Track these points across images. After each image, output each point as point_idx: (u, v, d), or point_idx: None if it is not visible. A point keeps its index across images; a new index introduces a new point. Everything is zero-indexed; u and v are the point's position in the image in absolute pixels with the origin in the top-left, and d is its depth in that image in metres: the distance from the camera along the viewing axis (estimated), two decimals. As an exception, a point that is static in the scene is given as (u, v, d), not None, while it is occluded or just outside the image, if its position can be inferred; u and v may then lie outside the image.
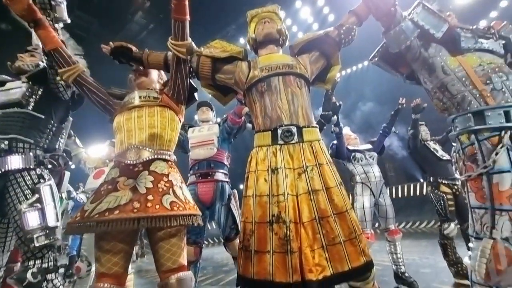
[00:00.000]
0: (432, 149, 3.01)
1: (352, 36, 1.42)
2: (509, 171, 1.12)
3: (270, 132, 1.30)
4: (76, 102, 1.83)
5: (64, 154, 1.76)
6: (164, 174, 1.32)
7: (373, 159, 2.81)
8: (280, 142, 1.27)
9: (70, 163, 1.91)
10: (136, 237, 1.34)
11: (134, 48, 1.57)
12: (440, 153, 3.00)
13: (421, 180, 8.94)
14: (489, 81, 1.21)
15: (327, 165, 1.25)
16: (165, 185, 1.27)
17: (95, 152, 3.16)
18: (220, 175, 2.36)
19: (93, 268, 2.52)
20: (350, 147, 2.88)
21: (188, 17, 1.35)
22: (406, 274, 2.55)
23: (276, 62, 1.40)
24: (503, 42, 1.33)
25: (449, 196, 2.82)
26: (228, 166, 2.51)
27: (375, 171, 2.72)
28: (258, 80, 1.36)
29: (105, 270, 1.18)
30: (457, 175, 1.32)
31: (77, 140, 2.84)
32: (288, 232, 1.11)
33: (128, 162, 1.31)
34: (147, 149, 1.35)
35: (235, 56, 1.48)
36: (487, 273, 1.10)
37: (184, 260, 1.30)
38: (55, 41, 1.42)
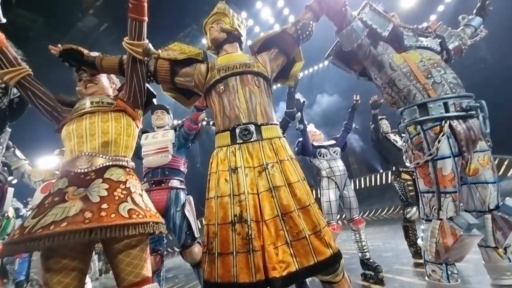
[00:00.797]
0: (392, 141, 3.25)
1: (310, 32, 1.43)
2: (449, 157, 1.24)
3: (228, 131, 1.29)
4: (15, 112, 1.63)
5: (6, 168, 1.57)
6: (121, 181, 1.22)
7: (336, 154, 2.94)
8: (239, 141, 1.26)
9: (10, 177, 1.69)
10: (90, 253, 1.23)
11: (85, 51, 1.46)
12: (400, 143, 3.23)
13: (381, 171, 9.62)
14: (430, 76, 1.32)
15: (288, 161, 1.25)
16: (122, 193, 1.17)
17: (44, 164, 2.84)
18: (175, 182, 2.27)
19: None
20: (315, 143, 2.97)
21: (146, 18, 1.29)
22: (371, 260, 2.70)
23: (234, 61, 1.39)
24: (439, 40, 1.47)
25: (409, 182, 3.06)
26: (185, 172, 2.43)
27: (339, 165, 2.85)
28: (216, 81, 1.35)
29: None
30: (407, 163, 1.44)
31: (18, 152, 2.52)
32: (249, 231, 1.10)
33: (79, 170, 1.20)
34: (101, 155, 1.25)
35: (194, 58, 1.44)
36: (437, 251, 1.20)
37: (148, 272, 1.20)
38: None
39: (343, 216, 3.27)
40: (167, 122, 2.47)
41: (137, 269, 1.15)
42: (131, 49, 1.31)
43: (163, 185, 2.21)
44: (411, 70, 1.34)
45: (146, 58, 1.39)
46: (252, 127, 1.26)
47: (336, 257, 1.15)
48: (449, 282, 1.21)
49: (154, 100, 1.61)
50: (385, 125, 3.38)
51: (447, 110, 1.26)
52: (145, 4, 1.26)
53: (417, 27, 1.47)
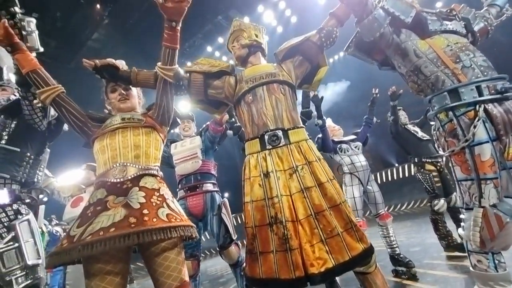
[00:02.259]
0: (412, 131, 3.15)
1: (334, 38, 1.46)
2: (487, 142, 1.19)
3: (258, 139, 1.36)
4: (53, 133, 1.75)
5: (42, 187, 1.66)
6: (155, 189, 1.29)
7: (358, 149, 2.86)
8: (268, 147, 1.33)
9: (41, 196, 1.77)
10: (129, 258, 1.26)
11: (121, 66, 1.52)
12: (420, 134, 3.14)
13: (396, 164, 9.43)
14: (458, 60, 1.28)
15: (316, 162, 1.30)
16: (158, 199, 1.25)
17: (68, 179, 2.91)
18: (208, 186, 2.34)
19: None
20: (336, 139, 2.90)
21: (178, 46, 1.36)
22: (401, 255, 2.61)
23: (260, 72, 1.47)
24: (464, 23, 1.43)
25: (435, 173, 2.96)
26: (216, 175, 2.49)
27: (361, 160, 2.77)
28: (245, 92, 1.43)
29: None
30: (440, 152, 1.41)
31: (46, 170, 2.63)
32: (285, 231, 1.16)
33: (115, 180, 1.26)
34: (134, 165, 1.31)
35: (224, 71, 1.51)
36: (482, 240, 1.16)
37: (185, 276, 1.23)
38: (33, 63, 1.38)
39: (368, 212, 3.19)
40: (193, 131, 2.55)
41: (175, 273, 1.18)
42: (163, 73, 1.38)
43: (197, 190, 2.30)
44: (438, 55, 1.31)
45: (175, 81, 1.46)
46: (279, 133, 1.33)
47: (369, 251, 1.20)
48: (497, 271, 1.16)
49: (178, 120, 1.71)
50: (402, 116, 3.28)
51: (480, 94, 1.22)
52: (179, 34, 1.33)
53: (441, 11, 1.43)
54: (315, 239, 1.17)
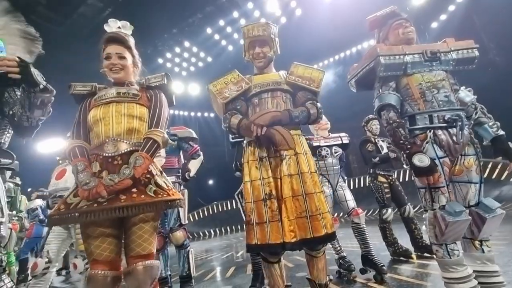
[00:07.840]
0: (379, 146, 3.25)
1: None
2: (435, 159, 1.44)
3: None
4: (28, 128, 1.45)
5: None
6: None
7: (337, 155, 2.77)
8: None
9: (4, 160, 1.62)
10: (122, 223, 1.35)
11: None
12: (385, 150, 3.21)
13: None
14: (423, 96, 1.55)
15: (303, 155, 1.55)
16: (146, 177, 1.35)
17: (45, 148, 2.87)
18: (171, 178, 2.47)
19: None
20: (321, 142, 2.76)
21: None
22: (376, 258, 2.48)
23: (268, 80, 1.70)
24: (452, 61, 1.58)
25: (386, 185, 3.17)
26: (180, 166, 2.73)
27: (335, 165, 2.73)
28: (252, 95, 1.68)
29: (96, 256, 1.25)
30: (404, 165, 1.66)
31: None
32: (277, 205, 1.44)
33: (106, 154, 1.35)
34: (125, 141, 1.38)
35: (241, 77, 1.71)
36: (435, 235, 1.43)
37: (153, 248, 1.35)
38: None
39: (341, 214, 3.19)
40: None
41: (145, 243, 1.31)
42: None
43: None
44: (412, 91, 1.57)
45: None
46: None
47: (330, 236, 1.46)
48: (450, 258, 1.41)
49: None
50: (374, 126, 3.32)
51: (431, 122, 1.50)
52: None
53: (427, 52, 1.57)
54: (291, 215, 1.42)
